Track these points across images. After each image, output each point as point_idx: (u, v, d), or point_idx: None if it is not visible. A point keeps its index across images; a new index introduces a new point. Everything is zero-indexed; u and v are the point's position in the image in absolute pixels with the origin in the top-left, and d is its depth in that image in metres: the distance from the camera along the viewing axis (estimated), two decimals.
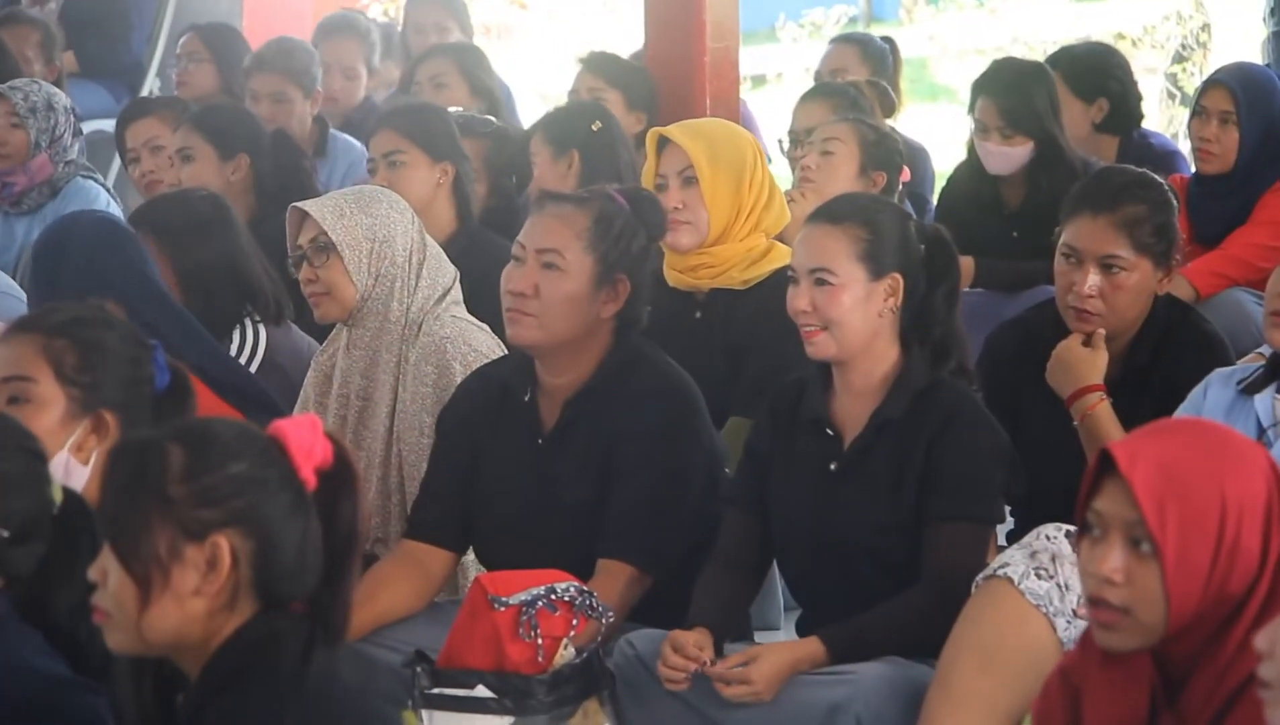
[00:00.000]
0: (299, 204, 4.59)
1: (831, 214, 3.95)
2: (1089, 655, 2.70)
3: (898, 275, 3.88)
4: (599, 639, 3.78)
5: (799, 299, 3.90)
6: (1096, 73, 6.52)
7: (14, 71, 6.98)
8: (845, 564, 3.86)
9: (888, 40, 7.43)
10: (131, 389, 3.32)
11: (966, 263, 6.00)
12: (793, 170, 6.10)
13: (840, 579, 3.87)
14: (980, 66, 6.85)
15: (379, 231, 4.51)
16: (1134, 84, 6.72)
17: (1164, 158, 6.41)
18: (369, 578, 4.05)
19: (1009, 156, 6.11)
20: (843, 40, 7.53)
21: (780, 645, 3.83)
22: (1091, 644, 2.68)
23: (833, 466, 3.90)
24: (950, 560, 3.74)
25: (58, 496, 2.88)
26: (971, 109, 6.22)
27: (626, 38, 9.00)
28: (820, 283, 3.88)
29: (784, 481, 3.94)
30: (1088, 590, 2.64)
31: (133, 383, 3.32)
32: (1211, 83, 6.03)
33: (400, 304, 4.52)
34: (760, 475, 3.97)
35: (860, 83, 6.42)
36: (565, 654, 3.72)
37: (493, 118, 6.18)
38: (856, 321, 3.86)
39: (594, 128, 5.86)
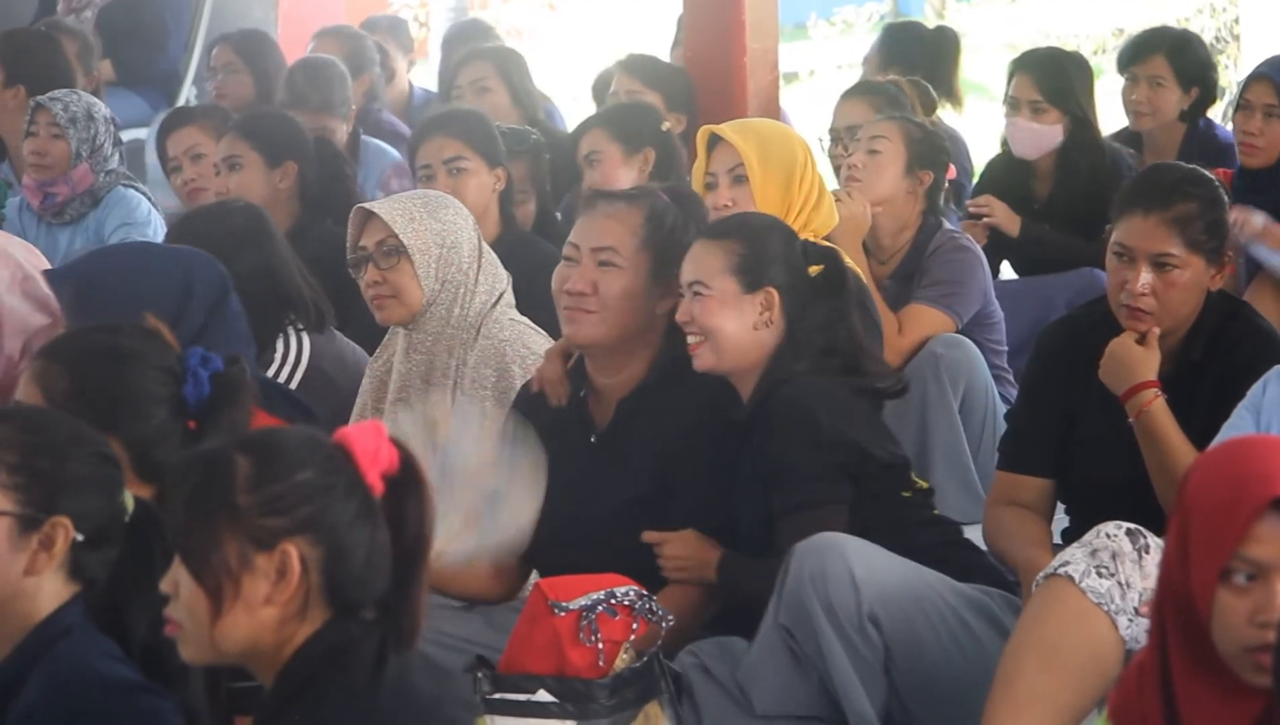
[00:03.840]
0: (365, 205, 4.60)
1: (713, 231, 4.07)
2: (1201, 679, 2.63)
3: (773, 289, 3.96)
4: (659, 642, 3.78)
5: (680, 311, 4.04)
6: (1200, 63, 6.55)
7: (67, 75, 6.97)
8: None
9: (946, 29, 7.43)
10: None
11: (1011, 220, 6.01)
12: (834, 168, 6.10)
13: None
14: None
15: (447, 237, 4.53)
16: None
17: (1227, 150, 6.40)
18: None
19: (1038, 135, 6.12)
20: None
21: (696, 543, 3.97)
22: (1207, 670, 2.61)
23: None
24: (792, 543, 3.83)
25: (129, 504, 2.89)
26: (1007, 89, 6.23)
27: (658, 38, 8.99)
28: (697, 295, 3.98)
29: None
30: (1256, 638, 2.58)
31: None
32: (1255, 76, 6.02)
33: (461, 308, 4.53)
34: None
35: (901, 81, 6.42)
36: (625, 658, 3.72)
37: (531, 129, 6.18)
38: (731, 330, 3.95)
39: (664, 128, 5.87)
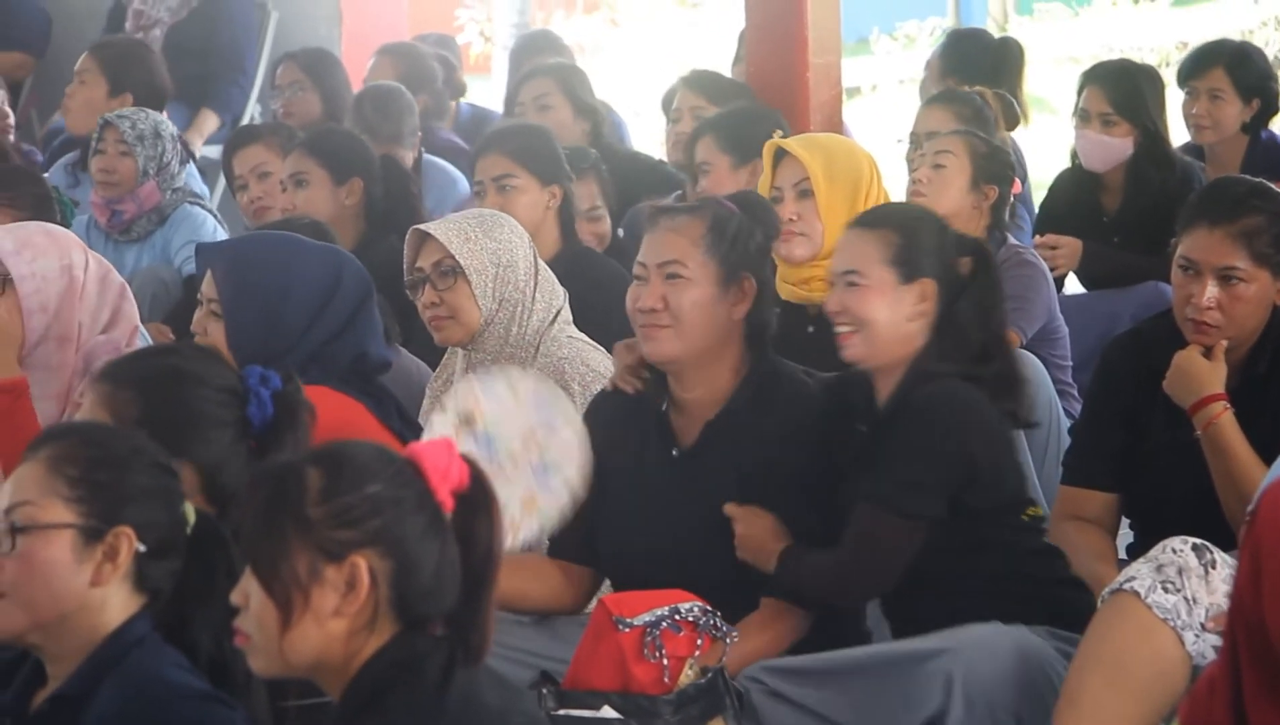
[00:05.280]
0: (421, 226, 4.61)
1: (865, 220, 4.05)
2: (1274, 701, 2.60)
3: (929, 281, 3.93)
4: (723, 658, 3.78)
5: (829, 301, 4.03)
6: (1259, 75, 6.53)
7: (166, 84, 7.03)
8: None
9: (1010, 40, 7.41)
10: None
11: (1074, 244, 6.03)
12: (910, 173, 6.08)
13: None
14: (1074, 74, 6.89)
15: (503, 256, 4.54)
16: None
17: None
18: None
19: (1108, 148, 6.11)
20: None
21: (770, 529, 3.97)
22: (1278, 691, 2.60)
23: None
24: (859, 533, 3.86)
25: (191, 516, 2.91)
26: (1077, 101, 6.22)
27: (720, 53, 9.01)
28: (851, 285, 3.95)
29: None
30: None
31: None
32: None
33: (519, 327, 4.54)
34: None
35: (985, 92, 6.40)
36: (690, 674, 3.72)
37: (590, 148, 6.17)
38: (886, 322, 3.92)
39: (776, 136, 5.85)
